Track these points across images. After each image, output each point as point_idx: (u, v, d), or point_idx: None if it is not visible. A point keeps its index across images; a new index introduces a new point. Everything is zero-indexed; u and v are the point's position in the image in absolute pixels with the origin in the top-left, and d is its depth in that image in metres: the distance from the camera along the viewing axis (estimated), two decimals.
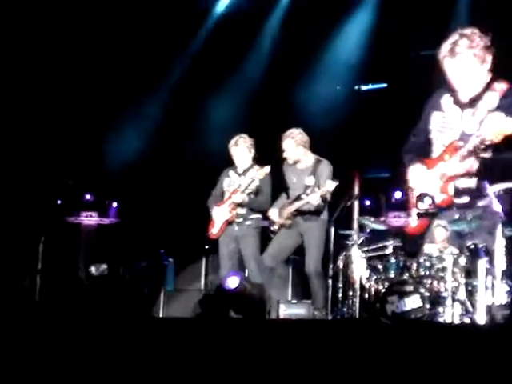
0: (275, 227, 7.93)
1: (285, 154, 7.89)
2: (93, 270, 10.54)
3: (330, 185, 7.49)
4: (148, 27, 11.33)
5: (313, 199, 7.60)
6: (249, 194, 7.75)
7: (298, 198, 7.72)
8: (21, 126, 11.28)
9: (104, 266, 10.37)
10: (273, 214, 7.88)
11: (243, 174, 7.95)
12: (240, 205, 7.74)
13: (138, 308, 9.31)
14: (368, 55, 11.34)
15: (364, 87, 12.33)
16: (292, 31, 11.54)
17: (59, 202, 11.88)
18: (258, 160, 8.02)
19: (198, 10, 11.54)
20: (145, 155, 11.80)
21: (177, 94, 11.84)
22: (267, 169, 7.79)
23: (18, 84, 11.10)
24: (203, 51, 11.71)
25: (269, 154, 8.13)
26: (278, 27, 11.80)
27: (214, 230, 7.94)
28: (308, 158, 7.90)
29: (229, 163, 8.06)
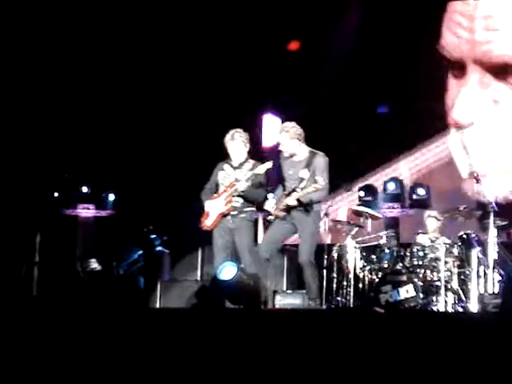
0: (271, 217, 8.03)
1: (280, 148, 7.99)
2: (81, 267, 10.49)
3: (319, 182, 7.57)
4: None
5: (303, 195, 7.72)
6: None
7: (293, 191, 7.80)
8: (18, 119, 11.29)
9: (94, 262, 10.24)
10: (269, 205, 7.98)
11: (238, 167, 8.01)
12: (241, 194, 7.80)
13: (135, 300, 9.36)
14: None
15: None
16: None
17: (56, 194, 11.91)
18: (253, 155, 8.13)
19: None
20: (141, 147, 11.83)
21: (173, 87, 11.85)
22: (269, 164, 7.88)
23: (13, 78, 11.13)
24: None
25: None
26: None
27: (208, 222, 7.99)
28: (303, 151, 7.97)
29: (223, 157, 8.11)
